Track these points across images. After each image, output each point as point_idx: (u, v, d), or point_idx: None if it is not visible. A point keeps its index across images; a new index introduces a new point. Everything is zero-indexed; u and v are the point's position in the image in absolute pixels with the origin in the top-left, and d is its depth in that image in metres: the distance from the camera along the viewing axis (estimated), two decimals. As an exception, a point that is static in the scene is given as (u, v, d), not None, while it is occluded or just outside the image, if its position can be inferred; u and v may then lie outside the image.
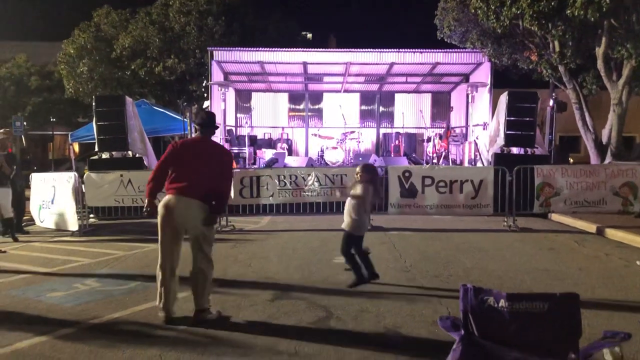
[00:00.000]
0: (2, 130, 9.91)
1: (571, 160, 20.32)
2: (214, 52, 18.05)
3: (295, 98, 22.21)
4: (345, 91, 21.65)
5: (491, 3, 13.65)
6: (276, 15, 27.02)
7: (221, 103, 16.47)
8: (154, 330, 4.70)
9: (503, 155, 12.70)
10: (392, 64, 18.29)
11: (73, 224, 10.37)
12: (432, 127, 20.86)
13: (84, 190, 10.88)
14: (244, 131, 20.32)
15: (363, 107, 22.25)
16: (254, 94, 22.07)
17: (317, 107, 22.17)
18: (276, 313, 5.18)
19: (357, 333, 4.64)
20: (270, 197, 11.26)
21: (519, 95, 12.64)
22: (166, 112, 17.92)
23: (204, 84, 22.97)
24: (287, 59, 18.34)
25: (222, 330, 4.69)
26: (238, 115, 21.84)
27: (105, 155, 13.17)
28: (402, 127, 20.43)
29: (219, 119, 16.15)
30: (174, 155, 4.95)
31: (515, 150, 12.93)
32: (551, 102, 17.30)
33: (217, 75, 18.17)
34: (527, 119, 12.45)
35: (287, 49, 18.66)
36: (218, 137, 16.52)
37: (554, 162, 13.84)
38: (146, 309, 5.26)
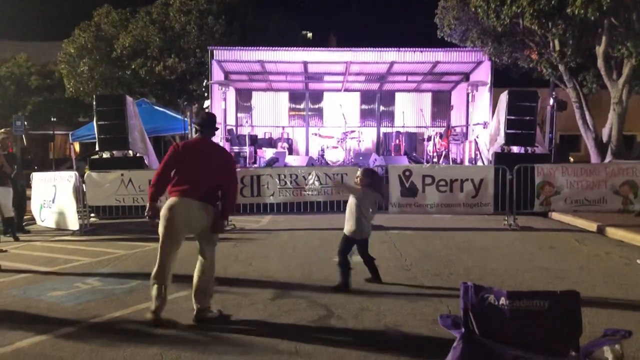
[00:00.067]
0: (2, 130, 9.91)
1: (571, 159, 20.30)
2: (215, 51, 18.07)
3: (295, 97, 22.21)
4: (346, 90, 21.66)
5: (491, 2, 13.64)
6: (276, 14, 27.03)
7: (222, 102, 16.50)
8: (154, 329, 4.70)
9: (503, 154, 12.70)
10: (392, 63, 18.30)
11: (74, 223, 10.39)
12: (432, 126, 20.88)
13: (84, 190, 10.90)
14: (245, 130, 20.36)
15: (363, 106, 22.26)
16: (254, 93, 22.07)
17: (317, 106, 22.18)
18: (277, 312, 5.19)
19: (357, 332, 4.64)
20: (271, 197, 11.26)
21: (519, 94, 12.64)
22: (167, 111, 17.92)
23: (204, 84, 22.98)
24: (287, 58, 18.36)
25: (222, 329, 4.70)
26: (238, 114, 21.85)
27: (106, 155, 13.19)
28: (403, 126, 20.45)
29: (219, 118, 16.10)
30: (176, 157, 4.92)
31: (515, 149, 12.94)
32: (551, 101, 17.28)
33: (217, 74, 18.18)
34: (528, 117, 12.45)
35: (287, 48, 18.66)
36: (219, 136, 16.54)
37: (555, 161, 13.81)
38: (147, 308, 5.25)
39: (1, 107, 25.98)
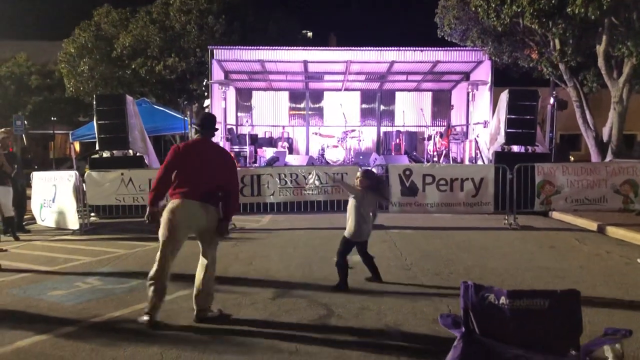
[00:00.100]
0: (3, 130, 9.91)
1: (572, 158, 20.29)
2: (215, 50, 18.07)
3: (295, 97, 22.21)
4: (346, 89, 21.65)
5: (492, 1, 13.64)
6: (277, 14, 27.03)
7: (222, 102, 16.50)
8: (155, 328, 4.70)
9: (504, 153, 12.70)
10: (392, 63, 18.29)
11: (74, 223, 10.40)
12: (432, 126, 20.85)
13: (84, 189, 10.91)
14: (245, 130, 20.34)
15: (364, 106, 22.25)
16: (254, 93, 22.07)
17: (317, 105, 22.18)
18: (277, 311, 5.19)
19: (358, 331, 4.64)
20: (271, 196, 11.26)
21: (520, 94, 12.63)
22: (167, 110, 17.91)
23: (204, 83, 22.98)
24: (287, 58, 18.36)
25: (223, 329, 4.70)
26: (239, 114, 21.85)
27: (106, 154, 13.19)
28: (403, 126, 20.45)
29: (219, 118, 16.13)
30: (177, 159, 4.88)
31: (515, 148, 12.93)
32: (552, 100, 17.28)
33: (217, 74, 18.17)
34: (528, 117, 12.44)
35: (287, 48, 18.67)
36: (219, 135, 16.54)
37: (555, 160, 13.82)
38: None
39: (1, 107, 25.98)
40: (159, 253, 4.77)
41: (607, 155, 14.58)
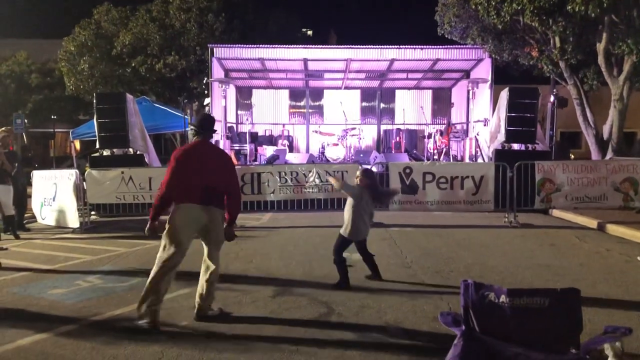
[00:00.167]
0: (3, 128, 9.91)
1: (572, 156, 20.28)
2: (215, 49, 18.06)
3: (296, 95, 22.19)
4: (346, 88, 21.64)
5: (492, -1, 13.64)
6: (276, 11, 27.01)
7: (222, 100, 16.52)
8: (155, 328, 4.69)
9: (504, 151, 12.70)
10: (392, 61, 18.27)
11: (74, 221, 10.41)
12: (432, 124, 20.89)
13: (85, 188, 10.91)
14: (245, 128, 20.32)
15: (364, 104, 22.24)
16: (254, 91, 22.06)
17: (317, 103, 22.16)
18: (277, 309, 5.19)
19: (358, 329, 4.65)
20: (272, 194, 11.27)
21: (520, 91, 12.64)
22: (167, 109, 17.93)
23: (204, 81, 22.94)
24: (287, 56, 18.35)
25: (223, 327, 4.71)
26: (239, 112, 21.83)
27: (106, 153, 13.19)
28: (403, 124, 20.42)
29: (219, 116, 16.27)
30: (179, 166, 4.79)
31: (516, 146, 12.93)
32: (552, 98, 17.27)
33: (217, 72, 18.16)
34: (528, 115, 12.44)
35: (287, 46, 18.65)
36: (219, 134, 16.55)
37: (555, 158, 13.81)
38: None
39: (2, 105, 25.94)
40: (163, 257, 4.72)
41: (607, 153, 14.57)
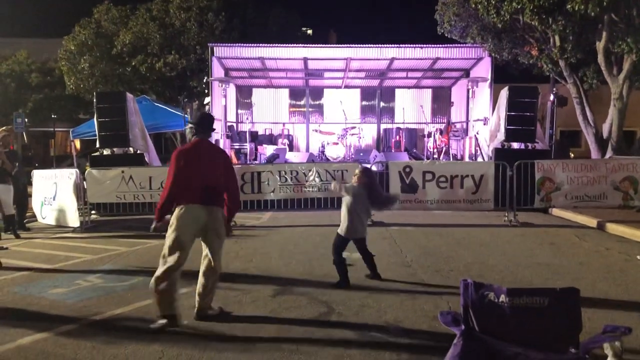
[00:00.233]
0: (3, 128, 9.92)
1: (572, 155, 20.29)
2: (215, 48, 18.07)
3: (296, 94, 22.20)
4: (346, 87, 21.65)
5: (491, -2, 13.64)
6: (276, 10, 26.99)
7: (222, 99, 16.53)
8: (149, 325, 4.70)
9: (504, 150, 12.70)
10: (392, 60, 18.28)
11: (74, 221, 10.41)
12: (432, 123, 20.93)
13: (85, 187, 10.91)
14: (245, 127, 20.34)
15: (364, 103, 22.25)
16: (254, 90, 22.06)
17: (317, 102, 22.17)
18: (277, 309, 5.20)
19: (358, 328, 4.65)
20: (272, 193, 11.28)
21: (520, 90, 12.64)
22: (167, 108, 17.91)
23: (204, 80, 22.95)
24: (287, 55, 18.35)
25: (223, 326, 4.72)
26: (239, 111, 21.84)
27: (106, 152, 13.19)
28: (403, 123, 20.42)
29: (219, 115, 16.28)
30: (181, 166, 4.78)
31: (515, 145, 12.93)
32: (552, 97, 17.28)
33: (217, 71, 18.17)
34: (528, 113, 12.45)
35: (287, 45, 18.67)
36: (219, 133, 16.56)
37: (555, 157, 13.82)
38: (148, 305, 5.27)
39: (2, 104, 25.92)
40: (167, 257, 4.71)
41: (607, 151, 14.58)
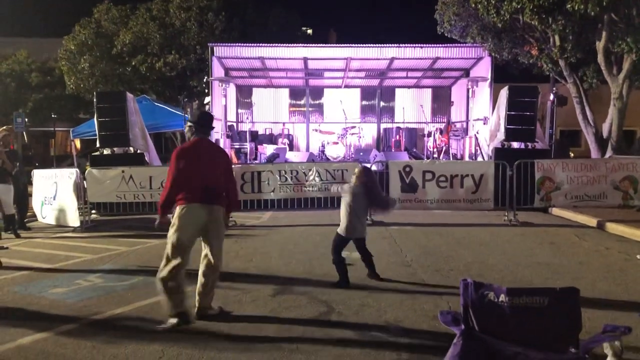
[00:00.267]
0: (4, 127, 9.92)
1: (572, 155, 20.29)
2: (215, 47, 18.06)
3: (296, 93, 22.20)
4: (346, 86, 21.65)
5: (491, -3, 13.65)
6: (276, 10, 26.98)
7: (222, 99, 16.52)
8: (155, 325, 4.71)
9: (503, 149, 12.70)
10: (392, 59, 18.27)
11: (75, 220, 10.41)
12: (432, 122, 20.95)
13: (85, 187, 10.92)
14: (245, 127, 20.33)
15: (364, 102, 22.25)
16: (254, 90, 22.06)
17: (317, 102, 22.17)
18: (277, 308, 5.20)
19: (358, 328, 4.66)
20: (272, 193, 11.28)
21: (520, 90, 12.64)
22: (167, 108, 17.91)
23: (204, 80, 22.95)
24: (287, 55, 18.35)
25: (223, 326, 4.72)
26: (239, 110, 21.85)
27: (106, 152, 13.20)
28: (403, 122, 20.42)
29: (219, 115, 16.28)
30: (179, 164, 4.79)
31: (515, 144, 12.93)
32: (552, 97, 17.28)
33: (217, 70, 18.16)
34: (528, 113, 12.45)
35: (287, 45, 18.66)
36: (219, 132, 16.57)
37: (555, 157, 13.82)
38: (148, 305, 5.29)
39: (2, 104, 25.92)
40: (170, 257, 4.72)
41: (607, 151, 14.58)
